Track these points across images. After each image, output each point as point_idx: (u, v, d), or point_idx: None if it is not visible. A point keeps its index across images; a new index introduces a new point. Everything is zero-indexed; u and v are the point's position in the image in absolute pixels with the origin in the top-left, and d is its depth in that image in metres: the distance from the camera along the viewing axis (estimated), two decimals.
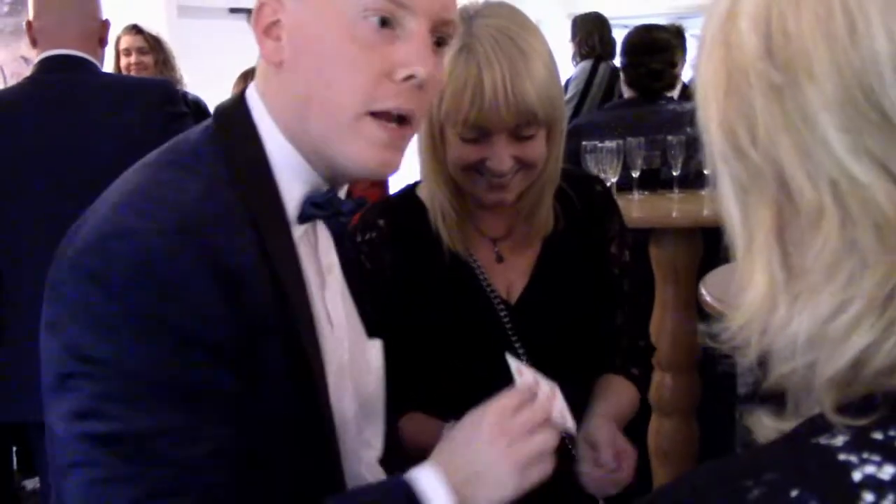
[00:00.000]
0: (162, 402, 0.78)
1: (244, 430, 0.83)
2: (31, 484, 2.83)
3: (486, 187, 1.30)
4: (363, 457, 1.02)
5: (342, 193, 0.97)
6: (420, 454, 1.24)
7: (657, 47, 2.96)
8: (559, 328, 1.40)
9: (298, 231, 0.93)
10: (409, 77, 0.87)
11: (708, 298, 1.74)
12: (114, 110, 2.09)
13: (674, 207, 2.71)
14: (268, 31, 0.88)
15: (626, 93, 3.06)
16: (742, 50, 0.50)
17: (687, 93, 4.04)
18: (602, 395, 1.40)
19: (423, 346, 1.34)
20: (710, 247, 2.66)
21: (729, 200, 0.53)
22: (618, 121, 2.89)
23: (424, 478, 0.87)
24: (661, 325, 2.56)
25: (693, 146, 2.70)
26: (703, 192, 2.76)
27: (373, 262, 1.37)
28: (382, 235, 1.38)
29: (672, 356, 2.56)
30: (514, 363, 1.04)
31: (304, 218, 0.92)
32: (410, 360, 1.32)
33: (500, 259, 1.40)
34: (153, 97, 2.16)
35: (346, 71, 0.87)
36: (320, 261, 0.98)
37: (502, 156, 1.26)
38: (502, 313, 1.37)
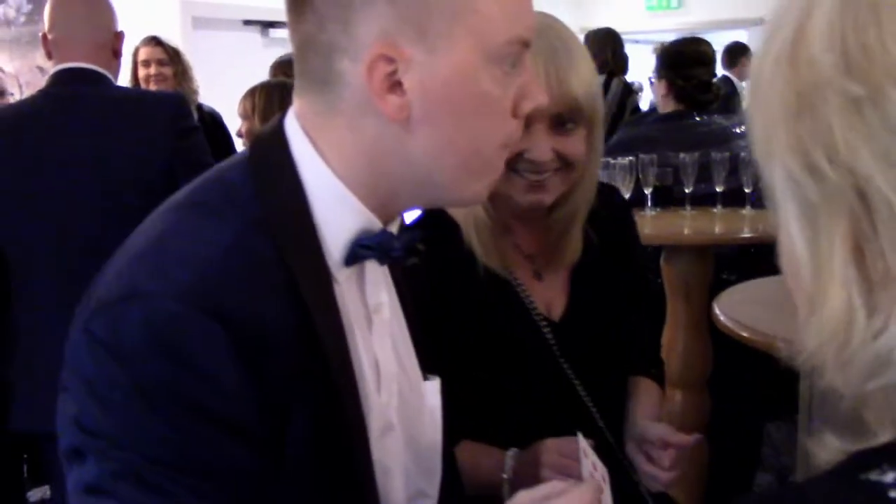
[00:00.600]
0: (173, 482, 0.72)
1: None
2: (37, 494, 2.82)
3: (524, 188, 1.28)
4: None
5: (395, 225, 0.92)
6: (478, 487, 1.24)
7: (705, 59, 2.95)
8: (601, 341, 1.41)
9: (344, 274, 0.85)
10: (530, 108, 0.87)
11: (721, 318, 1.73)
12: (126, 124, 2.10)
13: (686, 225, 2.70)
14: (390, 88, 0.80)
15: (668, 106, 3.01)
16: (815, 68, 0.50)
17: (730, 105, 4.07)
18: (637, 398, 1.44)
19: (466, 369, 1.32)
20: (721, 265, 2.65)
21: (793, 223, 0.52)
22: (669, 133, 2.88)
23: None
24: (672, 343, 2.55)
25: (706, 164, 2.70)
26: (714, 210, 2.75)
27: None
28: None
29: (682, 373, 2.55)
30: (583, 443, 1.03)
31: (350, 260, 0.85)
32: (454, 386, 1.30)
33: (538, 276, 1.39)
34: (165, 112, 2.17)
35: (490, 115, 0.84)
36: (368, 302, 0.90)
37: (543, 146, 1.25)
38: (546, 331, 1.36)
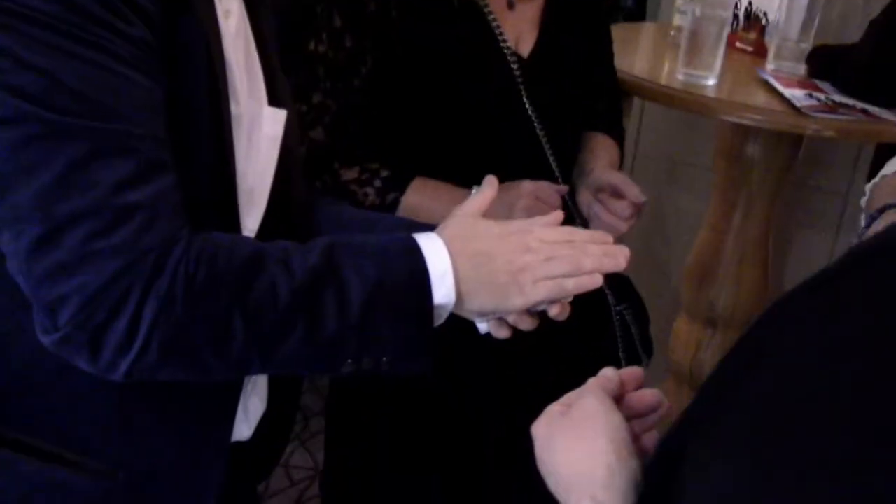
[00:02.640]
0: (91, 48, 0.70)
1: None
2: None
3: None
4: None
5: None
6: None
7: None
8: (566, 85, 1.35)
9: None
10: None
11: None
12: None
13: None
14: None
15: None
16: None
17: None
18: (594, 150, 1.42)
19: (427, 98, 1.26)
20: None
21: None
22: None
23: (433, 243, 0.83)
24: None
25: None
26: None
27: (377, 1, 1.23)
28: None
29: None
30: None
31: None
32: (414, 117, 1.26)
33: (510, 5, 1.31)
34: None
35: None
36: (217, 5, 0.84)
37: None
38: (513, 66, 1.28)
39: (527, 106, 1.29)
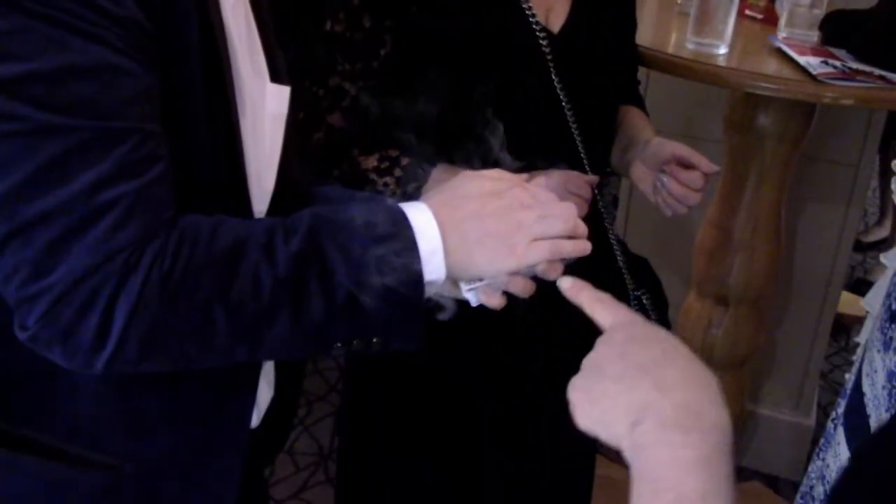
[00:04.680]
0: (74, 34, 0.66)
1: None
2: None
3: None
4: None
5: None
6: None
7: None
8: (596, 63, 1.30)
9: None
10: None
11: None
12: None
13: None
14: None
15: None
16: None
17: None
18: (635, 122, 1.38)
19: (449, 80, 1.20)
20: None
21: None
22: None
23: (423, 216, 0.79)
24: None
25: None
26: None
27: None
28: None
29: None
30: None
31: None
32: (435, 95, 1.19)
33: None
34: None
35: None
36: None
37: None
38: (542, 42, 1.23)
39: (556, 85, 1.24)
